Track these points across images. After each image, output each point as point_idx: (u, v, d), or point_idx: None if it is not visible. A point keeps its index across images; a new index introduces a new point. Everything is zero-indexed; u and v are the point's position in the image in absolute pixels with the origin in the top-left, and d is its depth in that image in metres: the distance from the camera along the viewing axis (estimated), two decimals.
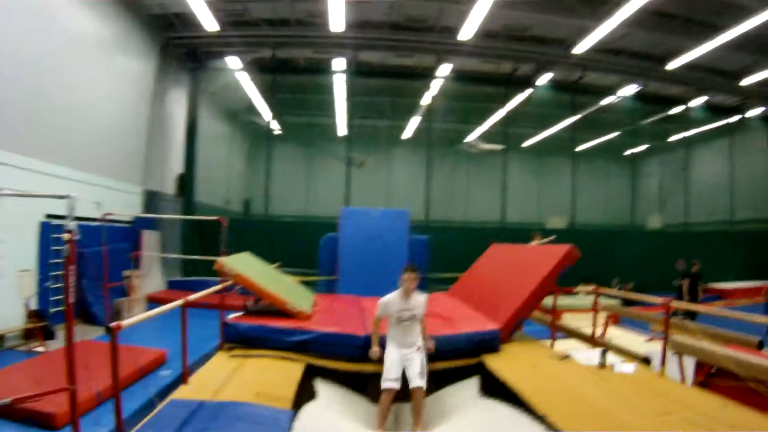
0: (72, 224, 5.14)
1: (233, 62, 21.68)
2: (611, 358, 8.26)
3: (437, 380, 8.22)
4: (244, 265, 10.09)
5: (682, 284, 16.76)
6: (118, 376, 5.18)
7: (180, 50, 20.69)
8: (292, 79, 24.56)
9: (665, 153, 30.31)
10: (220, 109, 25.25)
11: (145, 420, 5.51)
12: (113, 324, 5.00)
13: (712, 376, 7.33)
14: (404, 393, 7.12)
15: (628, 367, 7.84)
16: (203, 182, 22.14)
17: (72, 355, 5.07)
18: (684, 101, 25.93)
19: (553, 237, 16.53)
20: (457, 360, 8.71)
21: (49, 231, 12.65)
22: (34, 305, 11.63)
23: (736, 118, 27.25)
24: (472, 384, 8.33)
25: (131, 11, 17.08)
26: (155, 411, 5.76)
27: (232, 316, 9.51)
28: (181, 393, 6.42)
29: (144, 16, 18.06)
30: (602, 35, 18.63)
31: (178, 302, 6.70)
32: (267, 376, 7.19)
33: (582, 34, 19.25)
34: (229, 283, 9.60)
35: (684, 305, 9.65)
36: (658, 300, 8.89)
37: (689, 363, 7.96)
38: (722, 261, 25.37)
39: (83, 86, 14.43)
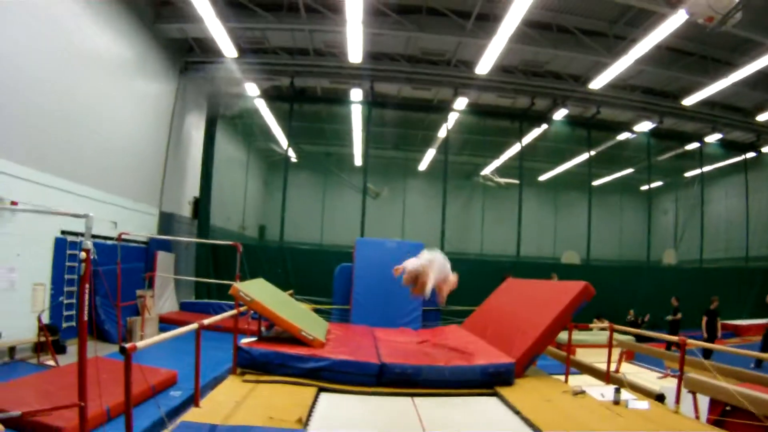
0: (89, 243, 5.15)
1: (251, 89, 21.77)
2: (625, 394, 8.17)
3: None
4: (259, 291, 10.09)
5: (702, 321, 17.03)
6: (131, 398, 5.16)
7: (199, 74, 20.81)
8: (309, 107, 24.72)
9: (680, 189, 30.16)
10: (238, 135, 25.34)
11: None
12: (128, 345, 4.99)
13: (726, 414, 7.22)
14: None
15: (643, 404, 7.74)
16: (219, 206, 22.15)
17: (84, 371, 5.04)
18: (699, 137, 25.80)
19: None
20: (471, 389, 8.66)
21: (64, 247, 12.79)
22: (46, 319, 11.59)
23: (751, 154, 27.02)
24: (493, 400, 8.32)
25: (151, 34, 17.32)
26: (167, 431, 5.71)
27: (245, 340, 9.49)
28: (192, 416, 6.35)
29: (163, 40, 18.27)
30: (618, 71, 18.65)
31: (193, 326, 6.69)
32: (279, 401, 7.14)
33: (598, 70, 19.31)
34: (244, 308, 9.60)
35: (699, 344, 9.54)
36: (674, 338, 8.82)
37: (703, 401, 7.86)
38: (737, 298, 25.13)
39: (103, 107, 14.59)
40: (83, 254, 5.12)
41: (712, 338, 16.56)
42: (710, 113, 23.12)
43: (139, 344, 5.20)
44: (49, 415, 6.05)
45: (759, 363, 14.31)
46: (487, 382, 8.78)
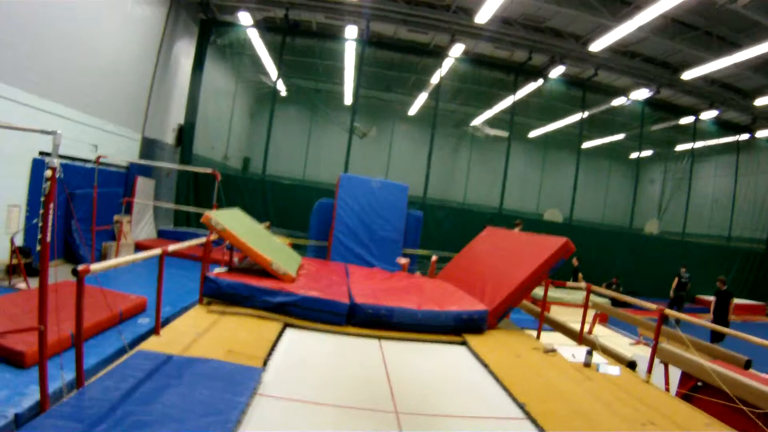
0: (55, 161, 5.03)
1: (244, 18, 21.41)
2: (597, 357, 8.18)
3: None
4: (233, 220, 9.97)
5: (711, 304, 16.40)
6: (82, 323, 5.10)
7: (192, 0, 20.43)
8: (302, 41, 24.31)
9: (670, 161, 30.39)
10: (227, 65, 25.03)
11: (108, 369, 5.41)
12: (81, 267, 4.87)
13: (696, 390, 7.25)
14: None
15: (614, 370, 7.74)
16: (203, 135, 22.02)
17: (45, 294, 4.94)
18: (694, 112, 25.77)
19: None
20: (441, 335, 8.71)
21: (42, 168, 12.52)
22: (20, 242, 11.48)
23: (745, 136, 27.16)
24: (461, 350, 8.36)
25: None
26: (120, 360, 5.65)
27: (216, 270, 9.43)
28: (150, 344, 6.29)
29: None
30: (620, 36, 18.44)
31: (157, 251, 6.56)
32: (242, 335, 7.09)
33: (599, 33, 19.04)
34: (214, 237, 9.50)
35: (676, 314, 9.51)
36: (651, 306, 8.84)
37: (675, 373, 7.89)
38: (714, 275, 25.37)
39: (89, 26, 14.08)
40: (48, 172, 4.99)
41: (720, 322, 15.30)
42: (709, 90, 23.07)
43: (94, 267, 5.03)
44: (12, 338, 5.99)
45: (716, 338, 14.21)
46: (458, 328, 8.81)
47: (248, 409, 4.98)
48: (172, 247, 6.97)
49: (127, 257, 5.98)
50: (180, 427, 4.28)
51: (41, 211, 11.97)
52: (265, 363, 6.29)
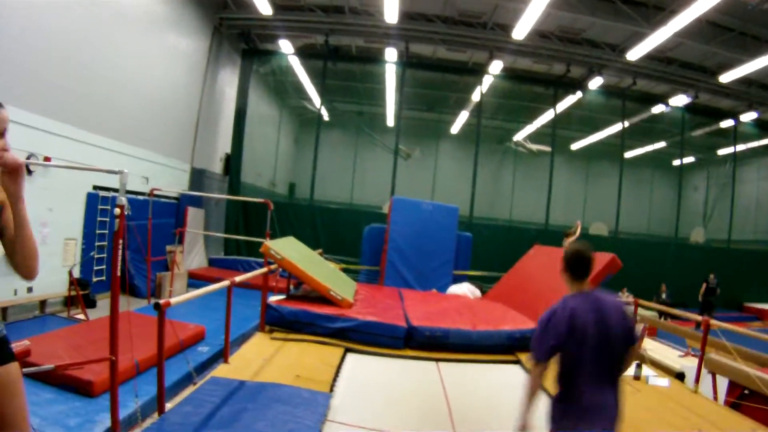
0: (123, 199, 5.17)
1: (285, 46, 21.68)
2: (646, 370, 8.23)
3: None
4: (289, 248, 10.14)
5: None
6: (163, 354, 5.24)
7: (233, 31, 20.75)
8: (342, 66, 24.42)
9: (712, 166, 29.81)
10: (270, 92, 25.33)
11: (186, 394, 5.53)
12: (163, 301, 5.03)
13: (744, 398, 7.19)
14: None
15: (663, 381, 7.79)
16: (250, 163, 22.26)
17: (115, 325, 5.08)
18: (734, 115, 25.35)
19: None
20: (495, 355, 8.80)
21: (96, 202, 12.87)
22: (77, 274, 11.70)
23: None
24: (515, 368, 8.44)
25: None
26: (195, 387, 5.80)
27: (273, 298, 9.55)
28: (221, 371, 6.47)
29: None
30: (656, 43, 18.27)
31: (225, 283, 6.76)
32: (307, 361, 7.25)
33: (635, 41, 18.90)
34: (274, 266, 9.64)
35: (723, 324, 9.35)
36: (697, 317, 8.80)
37: (723, 382, 7.82)
38: (763, 281, 24.97)
39: (136, 62, 14.47)
40: (117, 210, 5.13)
41: None
42: (747, 91, 22.68)
43: (173, 300, 5.28)
44: (80, 369, 6.12)
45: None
46: (511, 346, 8.91)
47: None
48: (239, 278, 7.16)
49: (203, 289, 6.20)
50: None
51: (96, 244, 12.27)
52: (331, 388, 6.42)
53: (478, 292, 12.20)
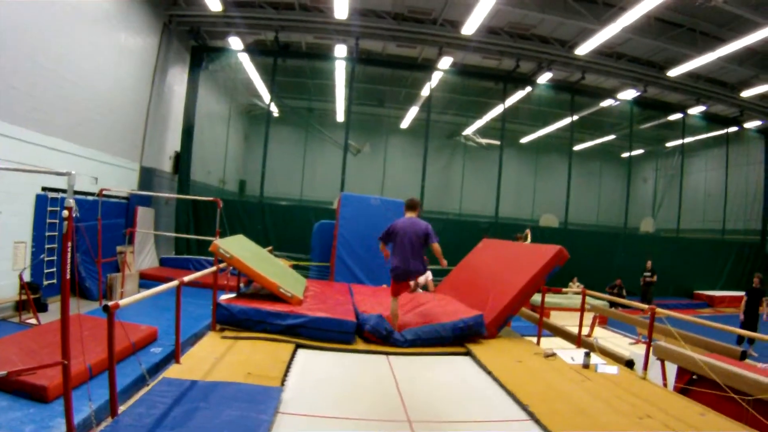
0: (71, 201, 5.18)
1: (235, 43, 21.64)
2: (595, 358, 8.45)
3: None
4: (239, 247, 10.20)
5: (742, 301, 15.53)
6: (114, 356, 5.31)
7: (182, 28, 20.61)
8: (292, 62, 24.46)
9: (661, 158, 30.53)
10: (220, 89, 25.21)
11: (138, 396, 5.63)
12: (112, 303, 5.10)
13: (693, 383, 7.43)
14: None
15: (611, 369, 8.00)
16: (199, 161, 22.16)
17: (67, 329, 5.13)
18: (682, 108, 26.05)
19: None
20: (444, 347, 9.03)
21: (45, 204, 12.72)
22: (27, 277, 11.62)
23: (733, 129, 27.44)
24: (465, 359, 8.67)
25: None
26: (148, 388, 5.88)
27: (223, 297, 9.62)
28: (173, 372, 6.53)
29: None
30: (605, 38, 18.68)
31: (174, 283, 6.82)
32: (258, 358, 7.34)
33: (585, 36, 19.30)
34: (223, 264, 9.71)
35: (668, 312, 9.63)
36: (643, 306, 9.08)
37: (672, 369, 8.09)
38: (712, 269, 25.70)
39: (84, 59, 14.32)
40: (66, 212, 5.15)
41: (751, 322, 15.00)
42: (695, 86, 23.32)
43: (122, 302, 5.29)
44: (33, 374, 6.15)
45: (741, 339, 13.61)
46: (459, 337, 9.16)
47: (273, 426, 5.26)
48: (188, 278, 7.21)
49: (152, 290, 6.22)
50: None
51: (46, 246, 12.18)
52: (282, 383, 6.57)
53: (430, 276, 12.36)
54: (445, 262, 9.18)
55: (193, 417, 5.08)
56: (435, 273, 13.04)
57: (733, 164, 27.30)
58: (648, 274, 21.20)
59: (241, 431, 4.84)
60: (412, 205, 9.60)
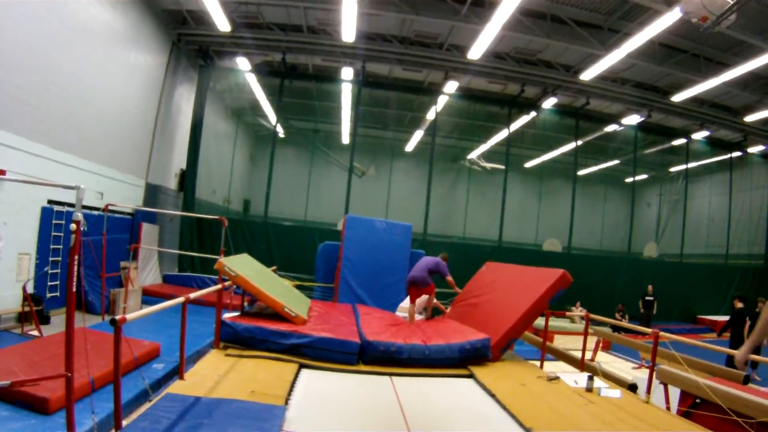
0: (79, 215, 5.21)
1: (242, 63, 21.77)
2: (598, 382, 8.42)
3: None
4: (243, 266, 10.19)
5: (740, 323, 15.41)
6: (119, 370, 5.30)
7: (191, 47, 20.79)
8: (299, 84, 24.65)
9: (665, 183, 30.59)
10: (226, 109, 25.34)
11: (141, 411, 5.61)
12: (119, 317, 5.09)
13: (696, 407, 7.42)
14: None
15: (615, 393, 7.97)
16: (205, 179, 22.21)
17: (71, 342, 5.13)
18: (686, 134, 26.10)
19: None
20: (448, 368, 8.99)
21: (50, 216, 12.78)
22: (31, 289, 11.64)
23: (737, 154, 27.44)
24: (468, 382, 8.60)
25: (144, 5, 17.11)
26: (151, 403, 5.86)
27: (227, 315, 9.62)
28: (176, 388, 6.48)
29: (157, 11, 18.14)
30: (609, 64, 18.74)
31: (180, 299, 6.81)
32: (262, 376, 7.31)
33: (590, 62, 19.40)
34: (228, 283, 9.72)
35: (672, 336, 9.65)
36: (647, 330, 9.05)
37: (675, 392, 8.06)
38: (715, 294, 25.66)
39: (93, 77, 14.45)
40: (73, 226, 5.17)
41: (737, 346, 15.13)
42: (699, 110, 23.38)
43: (129, 316, 5.32)
44: (35, 386, 6.13)
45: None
46: (464, 359, 9.12)
47: None
48: (193, 295, 7.19)
49: (159, 305, 6.23)
50: None
51: (51, 259, 12.20)
52: (286, 402, 6.52)
53: (433, 299, 12.62)
54: (458, 290, 12.48)
55: None
56: (440, 297, 13.08)
57: (737, 189, 27.28)
58: (649, 298, 21.11)
59: None
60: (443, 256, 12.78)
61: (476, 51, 18.59)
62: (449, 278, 12.30)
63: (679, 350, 8.80)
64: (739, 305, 15.12)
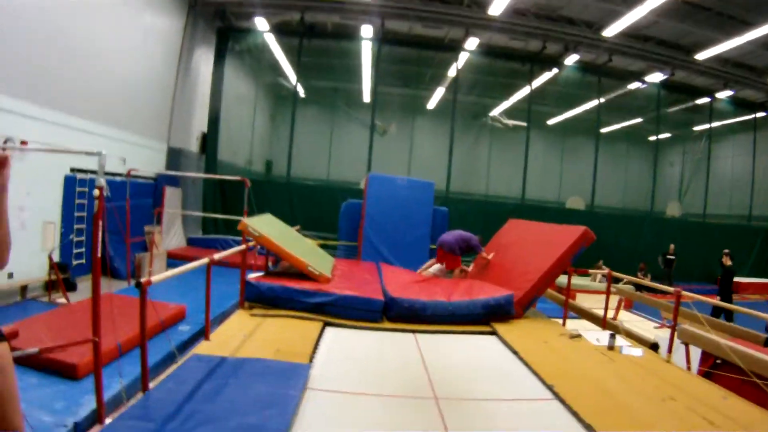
0: (102, 180, 5.21)
1: (261, 23, 21.61)
2: (620, 341, 8.43)
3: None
4: (267, 226, 10.22)
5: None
6: (146, 333, 5.38)
7: (208, 8, 20.62)
8: (318, 43, 24.35)
9: (688, 142, 30.26)
10: (246, 70, 25.25)
11: (169, 372, 5.67)
12: (144, 280, 5.13)
13: (716, 367, 7.37)
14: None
15: (636, 351, 7.97)
16: (226, 141, 22.27)
17: (98, 307, 5.17)
18: (710, 93, 25.60)
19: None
20: (471, 325, 9.06)
21: (73, 184, 12.81)
22: (56, 257, 11.74)
23: (761, 114, 26.96)
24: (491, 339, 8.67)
25: None
26: (178, 364, 5.93)
27: (252, 275, 9.66)
28: (202, 348, 6.60)
29: None
30: (632, 21, 18.47)
31: (204, 260, 6.85)
32: (286, 335, 7.41)
33: (612, 18, 19.08)
34: (252, 243, 9.74)
35: (694, 296, 9.60)
36: (669, 289, 8.99)
37: (696, 352, 8.03)
38: (738, 255, 25.38)
39: (111, 42, 14.39)
40: (96, 192, 5.18)
41: (726, 300, 15.27)
42: (723, 70, 22.95)
43: (154, 279, 5.39)
44: (63, 352, 6.21)
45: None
46: (487, 315, 9.19)
47: (301, 401, 5.30)
48: (217, 256, 7.24)
49: (182, 267, 6.26)
50: (244, 421, 4.52)
51: (75, 227, 12.26)
52: (311, 360, 6.61)
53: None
54: (489, 256, 12.44)
55: (223, 392, 5.13)
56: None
57: (761, 150, 26.80)
58: (671, 257, 21.11)
59: (271, 405, 4.87)
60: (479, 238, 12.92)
61: (497, 7, 18.38)
62: (483, 253, 12.46)
63: (700, 310, 8.76)
64: (729, 263, 15.18)
